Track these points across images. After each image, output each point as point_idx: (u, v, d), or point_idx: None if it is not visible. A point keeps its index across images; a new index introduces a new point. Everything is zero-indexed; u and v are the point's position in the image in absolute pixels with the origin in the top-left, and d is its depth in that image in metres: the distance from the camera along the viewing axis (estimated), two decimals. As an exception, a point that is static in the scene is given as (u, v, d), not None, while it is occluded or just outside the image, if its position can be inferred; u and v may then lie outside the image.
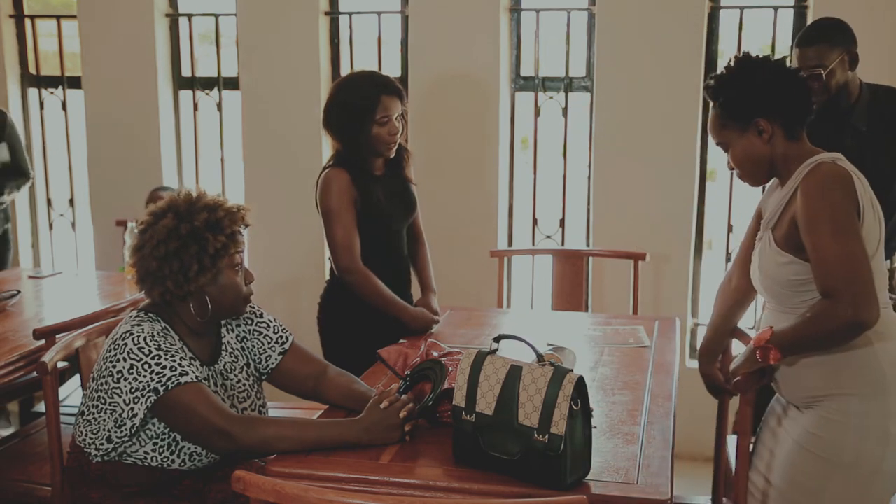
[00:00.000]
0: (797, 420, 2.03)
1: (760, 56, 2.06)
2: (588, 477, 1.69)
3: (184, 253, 1.92)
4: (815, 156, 1.98)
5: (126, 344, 1.89)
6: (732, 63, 2.06)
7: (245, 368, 2.13)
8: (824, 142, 2.63)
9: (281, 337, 2.17)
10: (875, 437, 1.93)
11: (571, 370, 1.68)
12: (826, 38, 2.57)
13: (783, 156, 2.02)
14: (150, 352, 1.88)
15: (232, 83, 4.15)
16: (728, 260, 3.79)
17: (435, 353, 2.31)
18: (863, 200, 1.91)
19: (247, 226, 2.03)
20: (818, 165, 1.95)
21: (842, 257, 1.83)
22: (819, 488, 1.98)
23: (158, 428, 1.93)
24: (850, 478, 1.95)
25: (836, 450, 1.95)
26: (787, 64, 2.10)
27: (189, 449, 1.96)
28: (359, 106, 2.64)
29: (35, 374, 2.42)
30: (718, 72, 2.08)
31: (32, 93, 4.42)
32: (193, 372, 1.90)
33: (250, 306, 2.15)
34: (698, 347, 2.38)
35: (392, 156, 2.75)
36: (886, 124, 2.65)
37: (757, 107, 1.99)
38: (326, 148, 3.77)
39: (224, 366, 2.08)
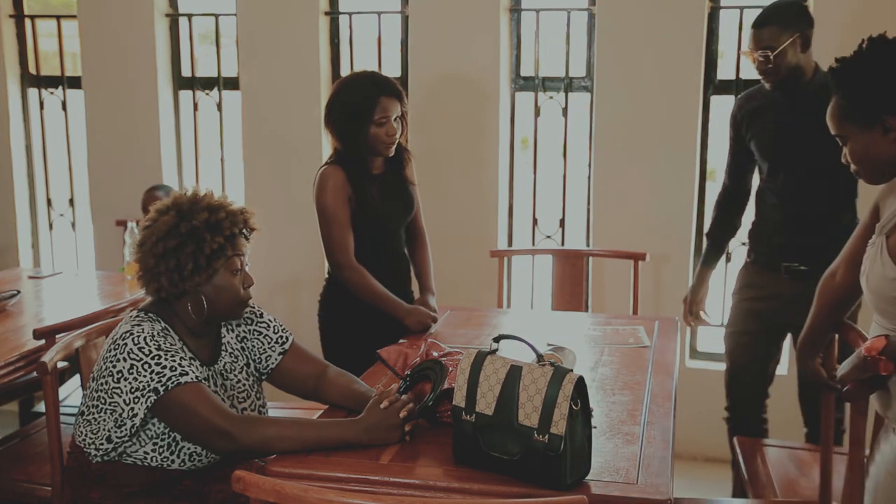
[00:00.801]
0: (891, 441, 1.87)
1: (887, 38, 1.80)
2: (588, 477, 1.69)
3: (180, 251, 1.92)
4: None
5: (126, 344, 1.89)
6: (864, 47, 1.82)
7: (245, 368, 2.13)
8: (769, 121, 2.64)
9: (281, 337, 2.17)
10: None
11: (571, 370, 1.68)
12: (777, 19, 2.57)
13: None
14: (150, 352, 1.88)
15: (232, 83, 4.15)
16: (728, 260, 3.79)
17: (435, 353, 2.31)
18: None
19: (252, 230, 2.03)
20: None
21: None
22: None
23: (158, 428, 1.93)
24: None
25: None
26: None
27: (189, 449, 1.96)
28: (358, 106, 2.67)
29: (35, 374, 2.42)
30: (846, 55, 1.85)
31: (32, 93, 4.42)
32: (193, 372, 1.90)
33: (250, 307, 2.15)
34: (797, 341, 2.24)
35: (390, 155, 2.76)
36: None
37: (885, 103, 1.77)
38: (326, 148, 3.77)
39: (224, 366, 2.08)
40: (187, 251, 1.93)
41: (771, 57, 2.56)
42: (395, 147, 2.74)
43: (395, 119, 2.70)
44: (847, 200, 2.76)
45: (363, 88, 2.70)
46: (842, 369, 1.92)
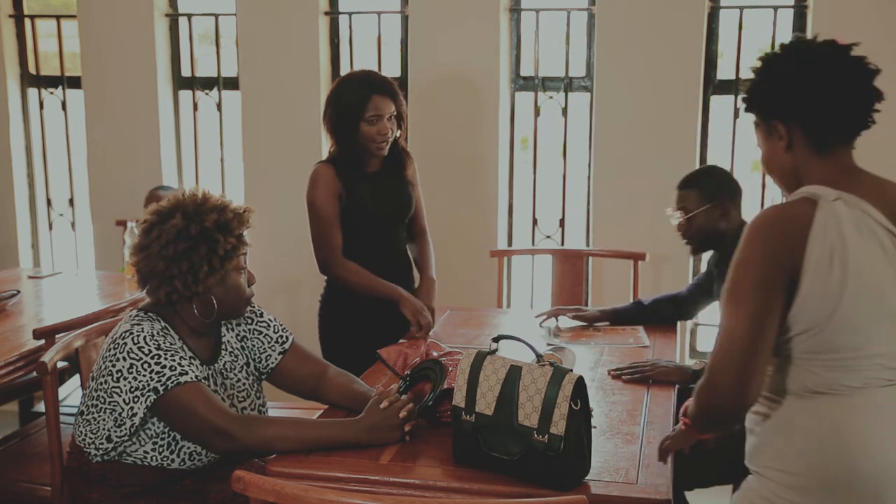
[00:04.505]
0: (747, 480, 1.70)
1: (813, 40, 1.61)
2: (588, 477, 1.69)
3: (193, 253, 1.92)
4: (810, 187, 1.56)
5: (126, 343, 1.89)
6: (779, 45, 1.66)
7: (245, 368, 2.13)
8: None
9: (281, 337, 2.18)
10: None
11: (571, 370, 1.68)
12: (699, 185, 2.59)
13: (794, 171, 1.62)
14: (150, 351, 1.88)
15: (232, 83, 4.15)
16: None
17: (435, 353, 2.31)
18: (814, 257, 1.48)
19: (248, 227, 2.04)
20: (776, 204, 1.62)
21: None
22: None
23: (158, 427, 1.93)
24: None
25: None
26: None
27: (189, 448, 1.96)
28: (350, 104, 2.69)
29: (35, 374, 2.42)
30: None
31: (32, 93, 4.41)
32: (193, 371, 1.90)
33: (251, 305, 2.15)
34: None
35: (384, 154, 2.77)
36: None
37: (775, 106, 1.62)
38: (326, 148, 3.77)
39: (224, 365, 2.08)
40: (200, 253, 1.92)
41: (683, 219, 2.59)
42: (388, 146, 2.75)
43: (389, 118, 2.71)
44: None
45: (357, 86, 2.71)
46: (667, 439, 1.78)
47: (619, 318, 2.87)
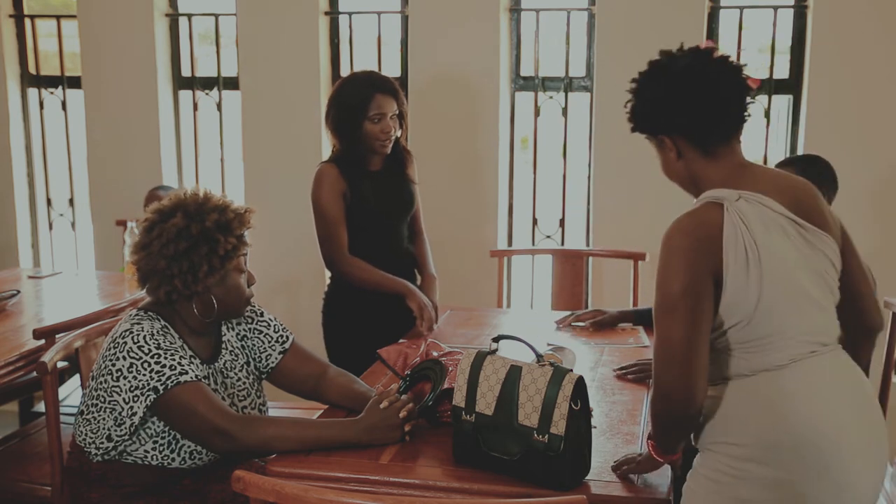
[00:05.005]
0: (696, 458, 1.75)
1: (678, 51, 1.69)
2: (588, 477, 1.69)
3: (193, 253, 1.92)
4: (713, 191, 1.64)
5: (126, 342, 1.89)
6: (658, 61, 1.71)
7: (245, 367, 2.13)
8: None
9: (281, 336, 2.18)
10: None
11: (571, 370, 1.68)
12: (798, 171, 2.46)
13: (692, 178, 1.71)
14: (150, 350, 1.88)
15: (232, 83, 4.15)
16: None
17: (435, 353, 2.31)
18: (731, 257, 1.56)
19: (249, 227, 2.04)
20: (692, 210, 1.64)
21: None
22: None
23: (158, 426, 1.93)
24: None
25: None
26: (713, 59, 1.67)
27: (189, 447, 1.96)
28: (353, 103, 2.71)
29: (35, 374, 2.42)
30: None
31: (32, 93, 4.41)
32: (193, 371, 1.90)
33: (251, 305, 2.15)
34: None
35: (387, 153, 2.78)
36: None
37: (654, 124, 1.72)
38: (326, 148, 3.76)
39: (224, 364, 2.08)
40: (201, 253, 1.92)
41: None
42: (391, 145, 2.77)
43: (392, 117, 2.73)
44: None
45: (359, 86, 2.73)
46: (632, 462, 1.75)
47: (642, 318, 2.84)
